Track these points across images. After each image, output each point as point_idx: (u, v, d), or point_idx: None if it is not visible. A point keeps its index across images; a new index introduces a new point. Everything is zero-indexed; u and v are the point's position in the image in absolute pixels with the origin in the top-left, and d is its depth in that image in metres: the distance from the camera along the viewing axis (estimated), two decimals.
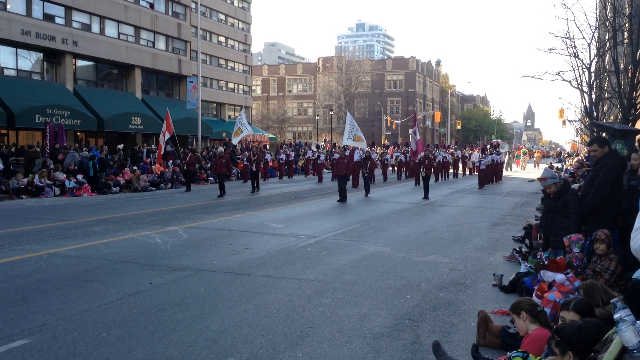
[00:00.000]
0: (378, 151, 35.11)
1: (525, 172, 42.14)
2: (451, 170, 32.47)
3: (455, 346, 4.87)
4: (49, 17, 28.30)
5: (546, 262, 5.84)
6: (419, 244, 9.98)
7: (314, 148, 35.72)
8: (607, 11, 16.87)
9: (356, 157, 22.17)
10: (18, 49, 27.39)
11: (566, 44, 18.12)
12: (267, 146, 38.41)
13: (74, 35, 29.25)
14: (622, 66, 15.88)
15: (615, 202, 6.55)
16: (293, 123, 78.39)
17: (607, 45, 16.89)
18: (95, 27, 31.26)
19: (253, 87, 65.39)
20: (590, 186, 6.66)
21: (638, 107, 14.24)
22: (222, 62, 51.05)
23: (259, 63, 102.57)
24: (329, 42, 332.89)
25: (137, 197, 19.72)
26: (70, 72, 29.60)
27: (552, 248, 6.79)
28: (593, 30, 17.34)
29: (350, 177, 22.37)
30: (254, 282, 7.02)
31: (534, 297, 5.67)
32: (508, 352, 3.90)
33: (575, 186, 8.97)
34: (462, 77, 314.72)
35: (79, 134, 30.87)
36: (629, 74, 14.59)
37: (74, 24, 29.67)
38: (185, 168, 23.36)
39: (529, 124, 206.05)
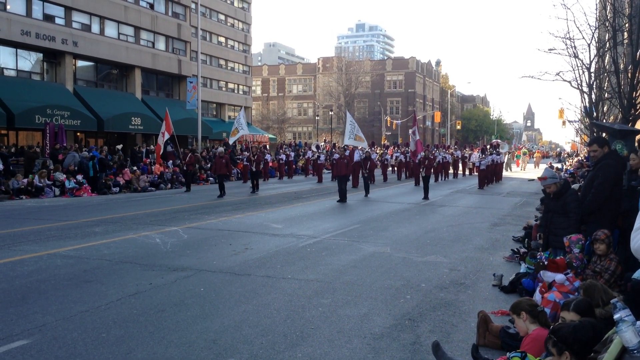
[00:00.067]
0: (378, 151, 35.10)
1: (525, 172, 42.14)
2: (451, 171, 32.47)
3: (455, 346, 4.87)
4: (48, 18, 28.31)
5: (546, 263, 5.84)
6: (419, 244, 9.98)
7: (313, 148, 35.74)
8: (607, 11, 16.86)
9: (356, 157, 22.17)
10: (18, 50, 27.41)
11: (566, 44, 18.11)
12: (267, 146, 38.42)
13: (73, 35, 29.26)
14: (622, 66, 15.89)
15: (615, 202, 6.55)
16: (293, 123, 78.42)
17: (607, 45, 16.87)
18: (95, 28, 31.27)
19: (253, 88, 65.40)
20: (590, 186, 6.66)
21: (638, 108, 14.23)
22: (222, 62, 51.07)
23: (259, 63, 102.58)
24: (329, 43, 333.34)
25: (137, 198, 19.72)
26: (70, 73, 29.61)
27: (552, 248, 6.79)
28: (593, 31, 17.35)
29: (350, 177, 22.37)
30: (254, 283, 7.02)
31: (537, 294, 5.67)
32: (507, 353, 3.90)
33: (575, 186, 8.97)
34: (462, 78, 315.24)
35: (78, 134, 30.86)
36: (629, 74, 14.58)
37: (74, 25, 29.68)
38: (185, 168, 23.37)
39: (528, 124, 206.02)
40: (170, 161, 27.24)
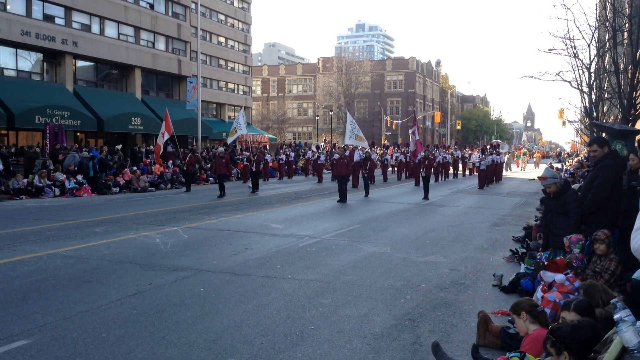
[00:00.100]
0: (378, 151, 35.09)
1: (525, 172, 42.15)
2: (451, 171, 32.47)
3: (455, 346, 4.87)
4: (48, 18, 28.31)
5: (546, 263, 5.84)
6: (419, 245, 9.98)
7: (313, 148, 35.75)
8: (607, 11, 16.87)
9: (356, 157, 22.16)
10: (18, 50, 27.41)
11: (566, 45, 18.11)
12: (267, 146, 38.43)
13: (73, 35, 29.26)
14: (622, 66, 15.89)
15: (615, 202, 6.55)
16: (293, 123, 78.41)
17: (607, 45, 16.88)
18: (95, 28, 31.27)
19: (253, 88, 65.40)
20: (590, 186, 6.66)
21: (638, 108, 14.23)
22: (222, 62, 51.07)
23: (259, 63, 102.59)
24: (329, 43, 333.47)
25: (137, 198, 19.72)
26: (70, 73, 29.61)
27: (552, 248, 6.78)
28: (593, 31, 17.35)
29: (350, 177, 22.38)
30: (254, 283, 7.02)
31: (538, 293, 5.67)
32: (507, 353, 3.90)
33: (575, 186, 8.96)
34: (462, 78, 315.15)
35: (78, 134, 30.86)
36: (629, 74, 14.59)
37: (74, 25, 29.68)
38: (185, 168, 23.37)
39: (528, 124, 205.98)
40: (170, 161, 27.24)
